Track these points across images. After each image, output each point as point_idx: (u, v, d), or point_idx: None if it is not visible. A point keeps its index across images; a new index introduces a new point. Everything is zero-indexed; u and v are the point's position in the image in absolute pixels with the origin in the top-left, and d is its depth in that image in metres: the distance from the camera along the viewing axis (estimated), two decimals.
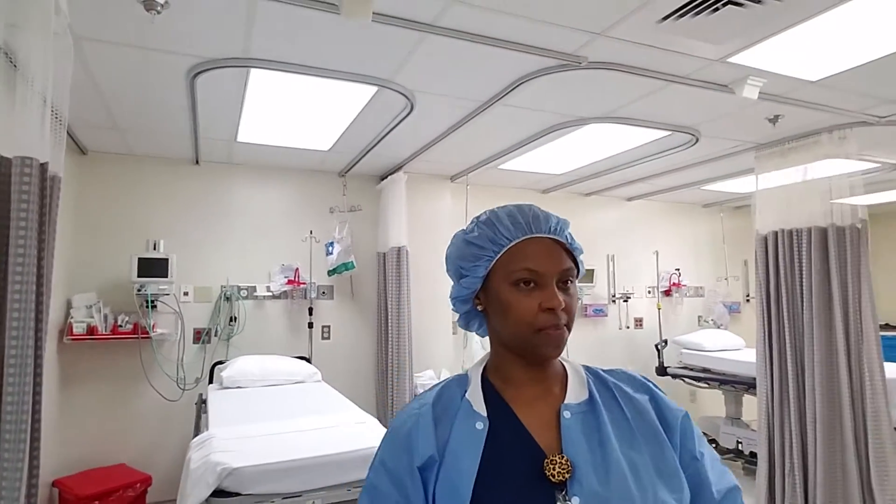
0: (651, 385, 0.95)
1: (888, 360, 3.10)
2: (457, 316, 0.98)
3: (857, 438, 2.93)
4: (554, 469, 0.79)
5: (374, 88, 2.64)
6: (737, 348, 4.89)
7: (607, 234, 5.44)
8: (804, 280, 3.16)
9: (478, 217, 0.93)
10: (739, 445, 4.38)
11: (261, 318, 4.08)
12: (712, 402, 5.30)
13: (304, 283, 4.12)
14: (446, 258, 0.96)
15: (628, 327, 5.46)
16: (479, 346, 4.33)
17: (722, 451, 4.47)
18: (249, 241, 4.10)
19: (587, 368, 0.95)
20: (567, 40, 2.16)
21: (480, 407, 0.86)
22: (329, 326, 4.30)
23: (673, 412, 0.90)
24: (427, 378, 4.11)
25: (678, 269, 5.66)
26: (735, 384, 4.42)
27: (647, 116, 3.04)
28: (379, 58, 2.34)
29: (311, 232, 4.21)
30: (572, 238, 0.91)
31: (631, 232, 5.58)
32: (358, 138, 3.46)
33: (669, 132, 3.26)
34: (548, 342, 0.84)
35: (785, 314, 3.23)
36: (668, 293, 5.60)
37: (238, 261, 4.04)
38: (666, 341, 5.06)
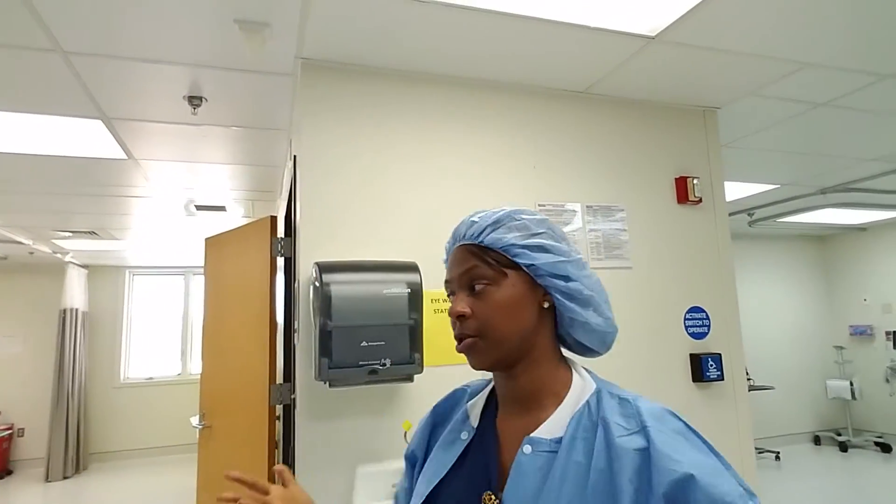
0: (652, 431, 0.68)
1: None
2: None
3: None
4: None
5: None
6: None
7: None
8: None
9: None
10: None
11: None
12: None
13: None
14: None
15: None
16: None
17: None
18: None
19: (598, 393, 0.76)
20: None
21: (475, 417, 0.83)
22: None
23: (664, 474, 0.64)
24: None
25: None
26: None
27: None
28: None
29: None
30: (492, 230, 0.78)
31: None
32: None
33: None
34: (464, 353, 0.79)
35: None
36: None
37: None
38: None
